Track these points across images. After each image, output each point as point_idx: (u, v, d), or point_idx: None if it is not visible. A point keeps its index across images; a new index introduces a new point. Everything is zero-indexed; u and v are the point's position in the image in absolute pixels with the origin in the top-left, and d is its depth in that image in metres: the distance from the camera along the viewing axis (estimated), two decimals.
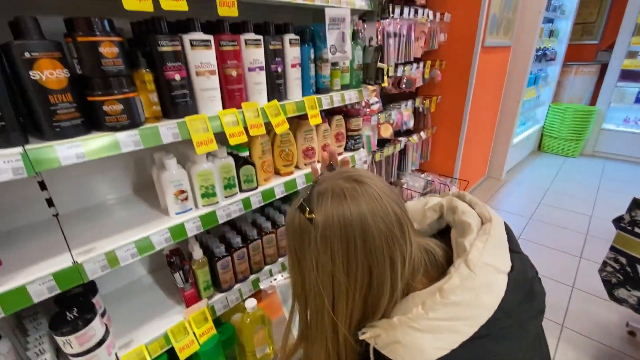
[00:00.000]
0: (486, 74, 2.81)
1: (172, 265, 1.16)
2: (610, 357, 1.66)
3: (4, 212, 0.98)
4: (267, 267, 1.36)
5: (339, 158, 0.86)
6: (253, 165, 1.16)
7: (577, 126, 4.22)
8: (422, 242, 0.63)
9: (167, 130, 0.86)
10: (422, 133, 2.57)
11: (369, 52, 1.43)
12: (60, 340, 0.86)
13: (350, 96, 1.42)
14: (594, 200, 3.23)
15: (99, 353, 0.91)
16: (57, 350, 0.95)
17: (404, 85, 2.14)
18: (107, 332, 0.96)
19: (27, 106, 0.70)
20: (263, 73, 1.09)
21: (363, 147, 1.64)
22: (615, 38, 3.99)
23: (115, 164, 1.17)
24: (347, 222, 0.53)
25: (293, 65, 1.18)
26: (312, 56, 1.26)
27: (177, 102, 0.90)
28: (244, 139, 1.03)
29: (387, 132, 2.11)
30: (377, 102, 1.94)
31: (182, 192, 0.98)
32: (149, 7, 0.73)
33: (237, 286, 1.26)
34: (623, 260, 1.43)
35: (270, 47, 1.09)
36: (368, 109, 1.89)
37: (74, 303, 0.92)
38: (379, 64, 1.41)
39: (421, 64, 2.34)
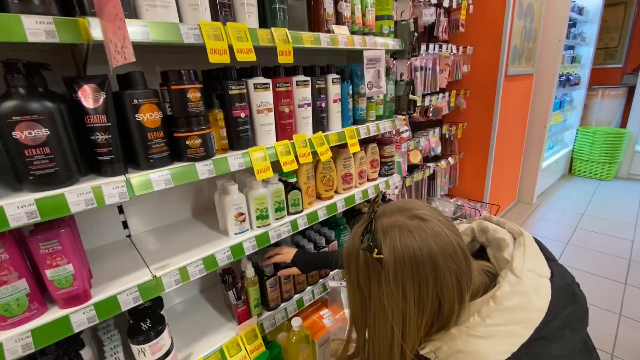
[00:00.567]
0: (510, 100, 2.88)
1: (225, 283, 1.26)
2: None
3: (87, 232, 1.13)
4: (309, 288, 1.43)
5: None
6: (300, 190, 1.27)
7: (609, 149, 4.14)
8: (478, 266, 0.67)
9: (234, 160, 0.99)
10: (449, 159, 2.64)
11: (401, 86, 1.56)
12: (135, 348, 0.95)
13: (385, 126, 1.54)
14: (634, 224, 3.11)
15: None
16: None
17: (431, 114, 2.24)
18: (172, 344, 1.05)
19: (129, 142, 0.85)
20: (310, 108, 1.23)
21: (396, 173, 1.73)
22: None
23: (179, 190, 1.32)
24: (419, 263, 0.55)
25: (335, 101, 1.32)
26: (350, 92, 1.40)
27: (241, 135, 1.04)
28: (294, 166, 1.15)
29: (416, 158, 2.20)
30: (407, 130, 2.05)
31: (241, 214, 1.10)
32: (226, 59, 0.89)
33: (282, 305, 1.33)
34: None
35: (316, 86, 1.24)
36: (399, 137, 2.00)
37: (146, 315, 1.02)
38: (411, 96, 1.54)
39: (446, 94, 2.46)
